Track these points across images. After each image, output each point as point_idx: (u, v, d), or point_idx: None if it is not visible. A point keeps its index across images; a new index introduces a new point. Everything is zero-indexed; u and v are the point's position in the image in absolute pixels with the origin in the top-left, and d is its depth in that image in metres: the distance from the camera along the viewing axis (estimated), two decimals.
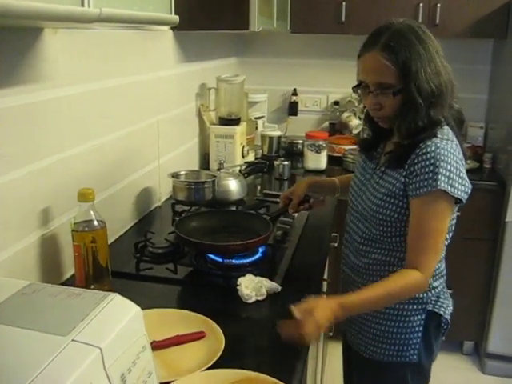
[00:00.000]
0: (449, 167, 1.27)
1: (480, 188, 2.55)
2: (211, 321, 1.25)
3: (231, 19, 2.11)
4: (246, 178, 2.35)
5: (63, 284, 1.46)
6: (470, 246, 2.68)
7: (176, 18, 1.22)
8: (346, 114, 3.17)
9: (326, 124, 3.33)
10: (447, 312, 1.48)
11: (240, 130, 2.60)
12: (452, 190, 1.27)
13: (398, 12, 2.74)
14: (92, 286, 1.40)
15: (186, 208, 2.02)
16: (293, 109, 3.31)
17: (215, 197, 2.06)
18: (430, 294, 1.43)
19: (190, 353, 1.16)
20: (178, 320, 1.27)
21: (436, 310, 1.45)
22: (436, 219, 1.30)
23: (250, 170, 2.43)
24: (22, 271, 1.34)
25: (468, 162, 2.28)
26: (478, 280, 2.79)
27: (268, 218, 1.72)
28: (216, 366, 1.11)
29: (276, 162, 2.61)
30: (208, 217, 1.74)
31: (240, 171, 2.37)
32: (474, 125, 3.06)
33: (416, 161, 1.31)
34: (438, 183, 1.26)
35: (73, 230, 1.36)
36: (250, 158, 2.77)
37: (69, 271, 1.51)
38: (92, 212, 1.37)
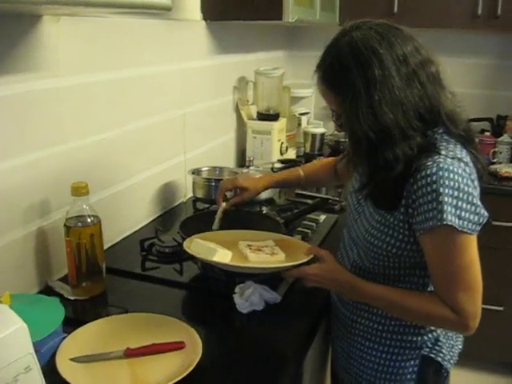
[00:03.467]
0: (456, 193, 1.05)
1: None
2: (194, 331, 1.15)
3: (265, 9, 2.01)
4: None
5: (60, 280, 1.41)
6: None
7: (168, 4, 1.12)
8: None
9: None
10: (448, 358, 1.26)
11: (278, 126, 2.49)
12: (461, 223, 1.05)
13: (455, 3, 2.53)
14: (84, 284, 1.35)
15: (207, 205, 1.94)
16: None
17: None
18: (425, 338, 1.24)
19: (163, 364, 1.07)
20: (163, 327, 1.19)
21: (433, 355, 1.24)
22: (455, 256, 1.08)
23: (283, 167, 2.31)
24: (15, 265, 1.30)
25: None
26: None
27: (282, 220, 1.61)
28: (186, 381, 1.02)
29: (314, 161, 2.48)
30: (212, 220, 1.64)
31: (272, 169, 2.26)
32: None
33: (416, 187, 1.08)
34: (444, 216, 1.04)
35: (65, 225, 1.31)
36: (290, 155, 2.66)
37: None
38: (85, 207, 1.32)
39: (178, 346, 1.12)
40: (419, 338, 1.24)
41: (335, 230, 1.84)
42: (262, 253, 1.34)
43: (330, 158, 1.72)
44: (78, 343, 1.11)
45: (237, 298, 1.30)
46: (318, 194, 2.02)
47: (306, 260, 1.26)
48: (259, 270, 1.31)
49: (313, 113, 3.06)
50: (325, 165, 1.71)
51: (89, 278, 1.35)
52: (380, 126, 1.09)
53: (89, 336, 1.15)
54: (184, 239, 1.43)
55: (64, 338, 1.11)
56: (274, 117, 2.49)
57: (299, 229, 1.75)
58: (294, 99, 2.91)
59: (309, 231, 1.74)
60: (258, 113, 2.51)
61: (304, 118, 2.87)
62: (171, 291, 1.42)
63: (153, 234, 1.67)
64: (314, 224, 1.79)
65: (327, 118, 3.15)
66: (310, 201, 1.97)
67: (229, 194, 1.59)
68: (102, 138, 1.57)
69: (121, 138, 1.65)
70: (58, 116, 1.39)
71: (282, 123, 2.53)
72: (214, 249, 1.29)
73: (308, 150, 2.79)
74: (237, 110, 2.51)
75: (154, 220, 1.88)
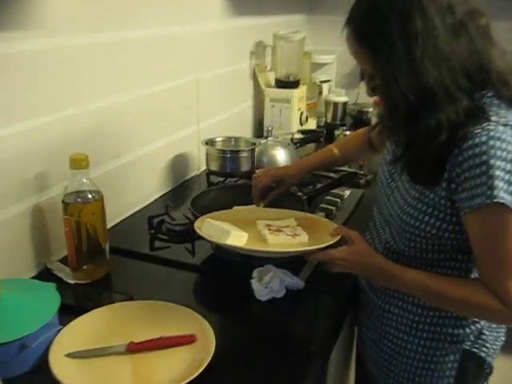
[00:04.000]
0: (509, 167, 0.89)
1: None
2: (206, 323, 1.02)
3: None
4: (297, 148, 2.09)
5: (60, 262, 1.28)
6: None
7: None
8: None
9: None
10: (491, 352, 1.13)
11: (298, 94, 2.32)
12: None
13: None
14: (85, 267, 1.22)
15: (222, 179, 1.80)
16: None
17: (256, 168, 1.82)
18: (467, 330, 1.10)
19: (170, 361, 0.94)
20: (171, 316, 1.06)
21: (475, 350, 1.11)
22: (506, 239, 0.92)
23: (304, 139, 2.16)
24: (10, 245, 1.17)
25: None
26: None
27: (304, 196, 1.46)
28: (197, 380, 0.89)
29: (337, 132, 2.31)
30: (232, 192, 1.50)
31: (291, 140, 2.10)
32: None
33: (461, 158, 0.93)
34: (495, 193, 0.89)
35: (63, 201, 1.17)
36: (310, 125, 2.49)
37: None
38: (86, 181, 1.18)
39: (188, 340, 0.99)
40: (460, 331, 1.10)
41: (361, 206, 1.69)
42: (283, 234, 1.20)
43: (361, 130, 1.56)
44: (76, 336, 0.98)
45: (255, 284, 1.16)
46: (342, 168, 1.86)
47: (331, 242, 1.11)
48: (279, 254, 1.16)
49: (334, 80, 2.87)
50: (357, 137, 1.54)
51: (90, 259, 1.22)
52: (421, 85, 0.93)
53: (88, 327, 1.02)
54: (196, 217, 1.29)
55: (60, 330, 0.98)
56: (293, 84, 2.32)
57: (322, 205, 1.60)
58: (315, 66, 2.73)
59: (333, 208, 1.59)
60: (276, 80, 2.34)
61: (325, 86, 2.69)
62: (181, 274, 1.28)
63: (162, 210, 1.52)
64: (338, 200, 1.64)
65: (350, 86, 2.99)
66: (333, 174, 1.82)
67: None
68: (107, 104, 1.42)
69: (127, 106, 1.50)
70: (58, 79, 1.24)
71: (302, 91, 2.37)
72: (228, 230, 1.15)
73: (329, 120, 2.61)
74: (254, 76, 2.34)
75: (164, 195, 1.74)
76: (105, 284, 1.22)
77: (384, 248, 1.13)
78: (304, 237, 1.20)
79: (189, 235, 1.39)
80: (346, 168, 1.92)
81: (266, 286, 1.16)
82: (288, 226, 1.25)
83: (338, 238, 1.13)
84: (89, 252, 1.21)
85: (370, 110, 2.65)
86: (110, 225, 1.39)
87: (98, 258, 1.23)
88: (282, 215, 1.32)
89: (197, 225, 1.22)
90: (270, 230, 1.22)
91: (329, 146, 1.50)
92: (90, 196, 1.18)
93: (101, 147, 1.40)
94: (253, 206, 1.39)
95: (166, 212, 1.51)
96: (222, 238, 1.14)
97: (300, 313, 1.14)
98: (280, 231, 1.21)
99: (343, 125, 2.56)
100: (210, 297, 1.22)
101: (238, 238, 1.16)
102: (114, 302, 1.11)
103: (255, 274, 1.19)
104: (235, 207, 1.40)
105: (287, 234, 1.20)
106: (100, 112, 1.39)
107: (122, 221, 1.52)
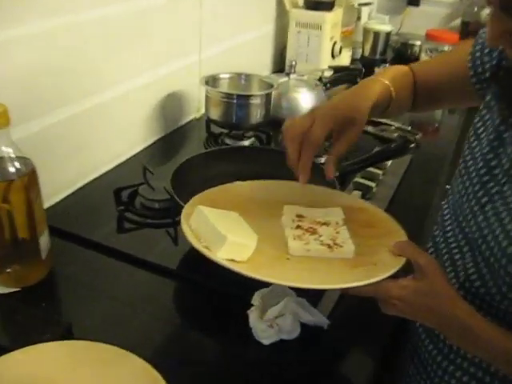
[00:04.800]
0: None
1: None
2: (162, 381, 0.64)
3: None
4: (327, 89, 1.63)
5: None
6: None
7: None
8: (487, 12, 2.27)
9: (457, 22, 2.43)
10: None
11: (332, 19, 1.83)
12: None
13: None
14: (8, 270, 0.83)
15: (225, 131, 1.37)
16: None
17: (272, 117, 1.39)
18: None
19: None
20: (116, 373, 0.67)
21: None
22: None
23: (337, 78, 1.69)
24: None
25: None
26: None
27: (336, 173, 1.03)
28: None
29: (377, 70, 1.85)
30: (231, 160, 1.07)
31: (320, 79, 1.64)
32: None
33: None
34: None
35: None
36: (344, 60, 2.02)
37: None
38: (5, 149, 0.77)
39: None
40: None
41: (409, 179, 1.27)
42: (316, 241, 0.76)
43: (402, 67, 0.94)
44: None
45: (254, 319, 0.77)
46: (389, 123, 1.41)
47: (391, 273, 0.68)
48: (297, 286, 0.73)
49: (376, 4, 2.36)
50: (406, 77, 0.92)
51: (18, 259, 0.83)
52: None
53: None
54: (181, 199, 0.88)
55: None
56: (326, 6, 1.82)
57: (357, 179, 1.18)
58: None
59: (372, 184, 1.17)
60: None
61: (365, 10, 2.18)
62: (154, 281, 0.89)
63: (138, 176, 1.11)
64: (379, 172, 1.22)
65: (394, 11, 2.48)
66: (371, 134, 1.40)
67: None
68: (61, 22, 0.98)
69: (85, 27, 1.05)
70: None
71: (336, 15, 1.87)
72: (224, 235, 0.71)
73: (367, 54, 2.14)
74: None
75: (145, 149, 1.32)
76: (37, 297, 0.84)
77: (459, 284, 0.72)
78: (347, 249, 0.75)
79: (173, 215, 0.99)
80: (389, 122, 1.48)
81: (272, 323, 0.76)
82: (329, 224, 0.80)
83: (402, 263, 0.70)
84: (15, 248, 0.82)
85: (418, 43, 2.16)
86: (56, 199, 1.01)
87: (28, 257, 0.84)
88: (324, 198, 0.87)
89: (185, 213, 0.80)
90: (299, 227, 0.79)
91: (378, 78, 0.87)
92: (11, 169, 0.77)
93: (36, 93, 0.96)
94: (286, 182, 0.90)
95: (144, 179, 1.10)
96: (213, 246, 0.72)
97: (319, 363, 0.76)
98: (314, 232, 0.78)
99: (384, 60, 2.09)
100: (187, 326, 0.83)
101: (237, 249, 0.71)
102: (41, 338, 0.73)
103: (256, 298, 0.79)
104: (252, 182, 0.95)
105: (322, 243, 0.76)
106: (36, 38, 0.95)
107: (77, 190, 1.11)
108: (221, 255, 0.70)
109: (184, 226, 0.75)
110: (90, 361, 0.69)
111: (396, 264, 0.69)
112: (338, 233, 0.78)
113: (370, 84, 0.84)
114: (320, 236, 0.77)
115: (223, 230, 0.71)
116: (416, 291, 0.65)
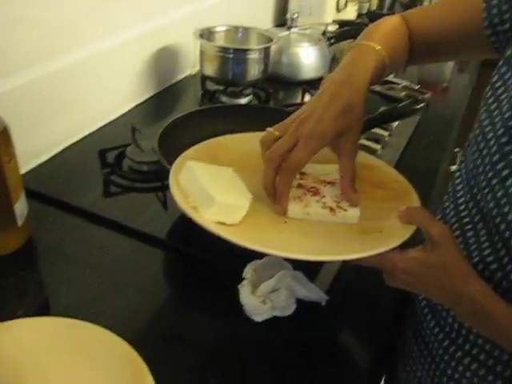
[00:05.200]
0: None
1: None
2: (145, 368, 0.58)
3: None
4: (331, 45, 1.54)
5: None
6: None
7: None
8: None
9: None
10: None
11: None
12: None
13: None
14: None
15: (221, 88, 1.29)
16: None
17: (271, 73, 1.30)
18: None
19: None
20: (95, 355, 0.62)
21: None
22: None
23: (341, 33, 1.60)
24: None
25: None
26: None
27: None
28: None
29: None
30: (226, 120, 0.98)
31: (324, 34, 1.55)
32: None
33: None
34: None
35: None
36: (350, 14, 1.91)
37: None
38: None
39: None
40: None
41: (416, 141, 1.19)
42: (319, 203, 0.68)
43: (391, 18, 0.83)
44: None
45: (245, 295, 0.71)
46: (396, 81, 1.34)
47: (397, 244, 0.61)
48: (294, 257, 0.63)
49: None
50: (399, 30, 0.81)
51: None
52: None
53: None
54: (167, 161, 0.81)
55: None
56: None
57: (360, 141, 1.10)
58: None
59: (377, 147, 1.10)
60: None
61: None
62: (141, 250, 0.83)
63: (125, 136, 1.04)
64: (384, 134, 1.14)
65: None
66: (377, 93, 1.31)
67: None
68: None
69: None
70: None
71: None
72: (212, 196, 0.64)
73: (374, 7, 2.03)
74: None
75: (134, 108, 1.24)
76: (13, 266, 0.77)
77: (472, 265, 0.64)
78: (351, 214, 0.68)
79: (163, 178, 0.92)
80: (396, 80, 1.40)
81: (265, 299, 0.70)
82: (334, 184, 0.71)
83: (411, 232, 0.63)
84: None
85: None
86: (38, 162, 0.94)
87: (4, 224, 0.78)
88: (330, 153, 0.72)
89: (175, 168, 0.72)
90: (300, 186, 0.71)
91: (369, 43, 0.75)
92: None
93: (12, 46, 0.88)
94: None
95: (132, 139, 1.03)
96: (201, 206, 0.64)
97: (314, 340, 0.70)
98: (317, 193, 0.70)
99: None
100: (175, 300, 0.77)
101: (227, 211, 0.64)
102: (15, 313, 0.67)
103: (248, 271, 0.73)
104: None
105: (324, 205, 0.68)
106: None
107: (61, 152, 1.04)
108: (209, 217, 0.63)
109: (172, 183, 0.68)
110: (66, 341, 0.63)
111: (404, 233, 0.62)
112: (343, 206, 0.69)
113: (362, 63, 0.71)
114: (323, 197, 0.69)
115: (213, 189, 0.64)
116: (424, 263, 0.58)
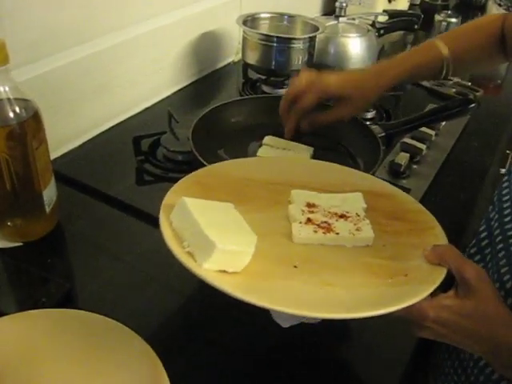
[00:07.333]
0: None
1: None
2: (160, 365, 0.56)
3: None
4: (381, 36, 1.48)
5: None
6: None
7: None
8: None
9: None
10: None
11: None
12: None
13: None
14: (9, 223, 0.76)
15: (263, 77, 1.25)
16: None
17: (317, 63, 1.26)
18: None
19: None
20: (112, 352, 0.60)
21: None
22: None
23: (392, 24, 1.53)
24: None
25: None
26: None
27: (382, 133, 0.91)
28: None
29: (437, 17, 1.66)
30: (267, 111, 0.94)
31: (373, 24, 1.49)
32: None
33: None
34: None
35: None
36: (402, 4, 1.84)
37: None
38: (4, 89, 0.68)
39: None
40: None
41: (464, 143, 1.13)
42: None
43: (485, 18, 0.93)
44: None
45: None
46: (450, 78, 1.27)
47: (429, 292, 0.52)
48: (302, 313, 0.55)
49: None
50: (481, 30, 0.87)
51: (18, 212, 0.76)
52: None
53: None
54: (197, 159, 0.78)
55: None
56: None
57: (405, 140, 1.05)
58: None
59: (422, 146, 1.04)
60: None
61: None
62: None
63: (164, 123, 1.01)
64: (431, 133, 1.08)
65: None
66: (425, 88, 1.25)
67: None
68: None
69: None
70: None
71: None
72: (212, 241, 0.53)
73: None
74: None
75: (177, 93, 1.22)
76: (39, 254, 0.76)
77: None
78: (366, 235, 0.62)
79: (196, 169, 0.89)
80: (455, 79, 1.33)
81: None
82: (347, 218, 0.65)
83: (443, 276, 0.54)
84: (15, 200, 0.74)
85: None
86: (70, 147, 0.92)
87: (30, 210, 0.76)
88: (341, 179, 0.72)
89: (167, 202, 0.62)
90: (310, 220, 0.63)
91: (432, 39, 0.85)
92: (10, 113, 0.68)
93: (50, 29, 0.86)
94: (293, 158, 0.82)
95: (169, 126, 1.00)
96: (199, 252, 0.54)
97: (342, 352, 0.66)
98: (329, 230, 0.62)
99: (446, 7, 1.89)
100: (200, 301, 0.74)
101: (230, 258, 0.54)
102: (36, 304, 0.66)
103: None
104: (262, 150, 0.87)
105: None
106: None
107: (97, 136, 1.02)
108: (208, 267, 0.53)
109: (162, 224, 0.57)
110: (82, 335, 0.61)
111: (434, 278, 0.54)
112: (358, 230, 0.63)
113: (412, 52, 0.86)
114: (337, 234, 0.62)
115: (212, 232, 0.54)
116: (460, 312, 0.52)
